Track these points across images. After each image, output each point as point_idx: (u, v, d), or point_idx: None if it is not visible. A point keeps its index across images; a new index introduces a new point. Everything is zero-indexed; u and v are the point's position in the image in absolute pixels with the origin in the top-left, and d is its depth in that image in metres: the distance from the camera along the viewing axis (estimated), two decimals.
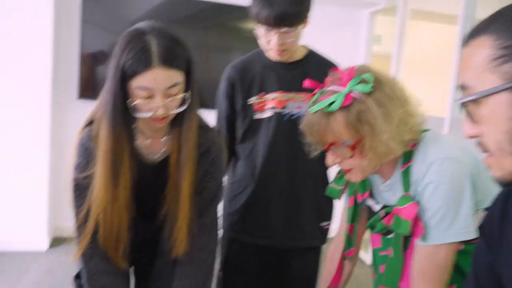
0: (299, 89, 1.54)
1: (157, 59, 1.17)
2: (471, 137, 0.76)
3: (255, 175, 1.72)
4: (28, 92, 3.63)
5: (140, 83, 1.19)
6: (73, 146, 1.37)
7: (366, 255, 3.78)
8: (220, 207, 1.61)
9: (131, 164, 1.29)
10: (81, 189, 1.32)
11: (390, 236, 1.20)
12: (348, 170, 1.18)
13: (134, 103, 1.22)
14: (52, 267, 3.51)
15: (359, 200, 1.33)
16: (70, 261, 3.53)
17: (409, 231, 1.09)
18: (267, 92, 1.70)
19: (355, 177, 1.19)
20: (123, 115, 1.24)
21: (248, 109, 1.72)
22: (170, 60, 1.19)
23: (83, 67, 3.90)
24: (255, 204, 1.74)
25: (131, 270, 1.55)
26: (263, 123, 1.70)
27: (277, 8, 1.48)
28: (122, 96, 1.22)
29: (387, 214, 1.18)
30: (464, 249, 1.11)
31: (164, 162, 1.37)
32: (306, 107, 1.18)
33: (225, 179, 1.74)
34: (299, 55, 1.70)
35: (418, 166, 1.13)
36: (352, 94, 1.07)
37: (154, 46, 1.18)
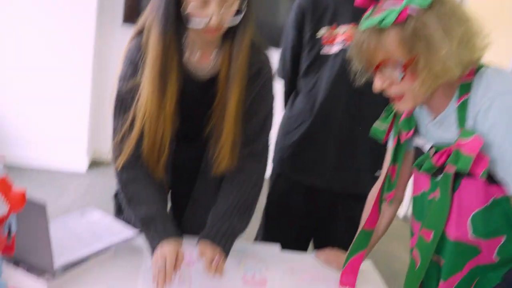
0: None
1: None
2: None
3: (313, 111, 1.67)
4: (74, 16, 3.64)
5: None
6: (115, 69, 1.35)
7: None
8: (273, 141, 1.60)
9: (178, 76, 1.27)
10: (125, 102, 1.32)
11: (438, 177, 1.13)
12: (397, 98, 1.11)
13: (187, 11, 1.18)
14: (90, 188, 3.65)
15: (403, 139, 1.26)
16: (107, 183, 3.63)
17: (469, 167, 1.02)
18: (339, 24, 1.61)
19: (404, 105, 1.11)
20: (174, 22, 1.21)
21: (315, 42, 1.64)
22: None
23: None
24: (308, 142, 1.70)
25: (168, 197, 1.57)
26: (329, 58, 1.63)
27: None
28: (175, 2, 1.18)
29: (437, 151, 1.13)
30: None
31: (212, 81, 1.34)
32: None
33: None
34: None
35: (478, 99, 1.04)
36: (408, 10, 0.99)
37: None
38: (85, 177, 3.85)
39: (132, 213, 1.32)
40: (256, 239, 1.88)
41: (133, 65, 1.30)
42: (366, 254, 1.42)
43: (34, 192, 1.04)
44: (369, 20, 1.05)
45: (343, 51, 1.59)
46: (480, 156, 1.02)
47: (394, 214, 1.43)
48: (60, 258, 1.17)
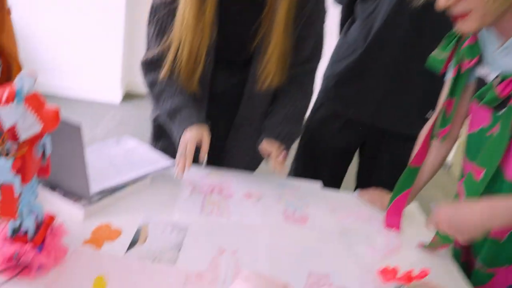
0: None
1: None
2: None
3: (367, 39, 1.53)
4: None
5: None
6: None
7: None
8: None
9: None
10: (160, 9, 1.27)
11: (501, 111, 1.01)
12: (462, 16, 0.97)
13: None
14: (124, 120, 3.65)
15: (464, 69, 1.12)
16: (141, 116, 3.60)
17: None
18: None
19: (469, 25, 0.98)
20: None
21: None
22: None
23: None
24: (357, 71, 1.57)
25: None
26: None
27: None
28: None
29: (502, 81, 1.00)
30: None
31: None
32: None
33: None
34: None
35: None
36: None
37: None
38: (119, 109, 3.85)
39: (160, 110, 1.31)
40: (289, 174, 1.81)
41: None
42: (412, 195, 1.33)
43: None
44: None
45: None
46: None
47: (446, 154, 1.31)
48: (96, 185, 1.13)
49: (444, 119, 1.20)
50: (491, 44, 1.06)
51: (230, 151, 1.46)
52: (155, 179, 1.29)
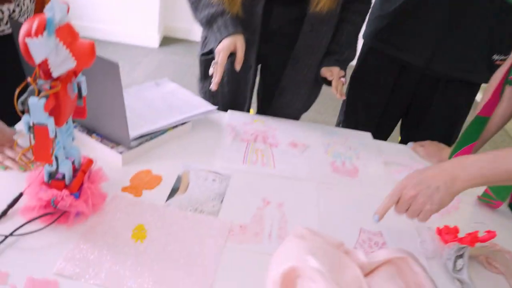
0: None
1: None
2: None
3: None
4: None
5: None
6: None
7: None
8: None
9: None
10: None
11: None
12: None
13: None
14: (162, 64, 3.58)
15: None
16: (179, 61, 3.52)
17: None
18: None
19: None
20: None
21: None
22: None
23: None
24: (411, 11, 1.38)
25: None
26: None
27: None
28: None
29: None
30: None
31: None
32: None
33: None
34: None
35: None
36: None
37: None
38: (157, 53, 3.77)
39: (198, 19, 1.26)
40: (337, 124, 1.70)
41: None
42: (476, 149, 1.21)
43: None
44: None
45: None
46: None
47: None
48: (135, 130, 1.07)
49: None
50: None
51: (284, 89, 1.37)
52: (196, 125, 1.22)
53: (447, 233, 0.95)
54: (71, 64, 0.71)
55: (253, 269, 0.80)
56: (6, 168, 0.94)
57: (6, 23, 1.13)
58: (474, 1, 1.28)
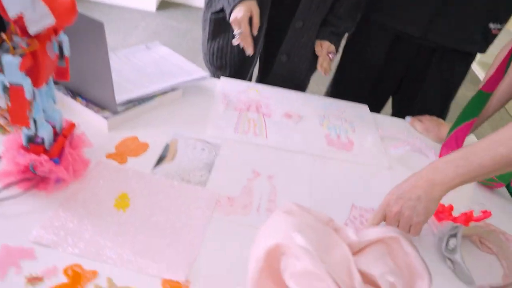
0: None
1: None
2: None
3: None
4: None
5: None
6: None
7: None
8: None
9: None
10: None
11: None
12: None
13: None
14: (159, 29, 3.49)
15: None
16: (176, 26, 3.43)
17: None
18: None
19: None
20: None
21: None
22: None
23: None
24: None
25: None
26: None
27: None
28: None
29: None
30: None
31: None
32: None
33: None
34: None
35: None
36: None
37: None
38: (155, 17, 3.68)
39: None
40: (326, 94, 1.63)
41: None
42: (476, 126, 1.17)
43: None
44: None
45: None
46: None
47: None
48: (122, 94, 1.02)
49: None
50: None
51: (286, 53, 1.34)
52: (187, 91, 1.18)
53: (442, 212, 0.92)
54: (49, 21, 0.66)
55: (239, 242, 0.77)
56: None
57: None
58: None
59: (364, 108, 1.33)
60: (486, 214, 0.88)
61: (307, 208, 0.63)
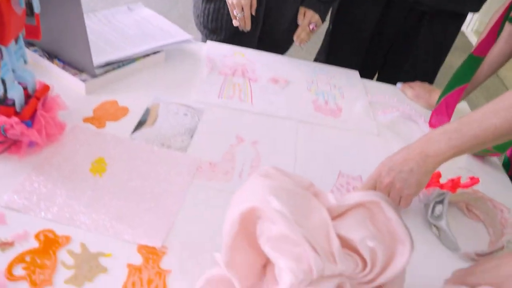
0: None
1: None
2: None
3: None
4: None
5: None
6: None
7: None
8: None
9: None
10: None
11: None
12: None
13: None
14: None
15: None
16: None
17: None
18: None
19: None
20: None
21: None
22: None
23: None
24: None
25: None
26: None
27: None
28: None
29: None
30: None
31: None
32: None
33: None
34: None
35: None
36: None
37: None
38: None
39: None
40: (315, 60, 1.59)
41: None
42: (467, 93, 1.14)
43: None
44: None
45: None
46: None
47: None
48: (101, 56, 0.98)
49: None
50: None
51: (270, 16, 1.29)
52: (170, 55, 1.14)
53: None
54: None
55: (220, 208, 0.74)
56: None
57: None
58: None
59: (354, 74, 1.30)
60: (474, 180, 0.86)
61: (286, 172, 0.60)
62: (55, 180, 0.73)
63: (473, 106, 1.07)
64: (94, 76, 0.95)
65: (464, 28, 3.67)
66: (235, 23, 1.17)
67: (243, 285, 0.57)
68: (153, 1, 3.30)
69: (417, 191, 0.78)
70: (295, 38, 1.27)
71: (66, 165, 0.77)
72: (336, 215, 0.60)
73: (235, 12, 1.18)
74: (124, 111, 0.93)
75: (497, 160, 1.07)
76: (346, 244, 0.56)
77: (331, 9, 1.34)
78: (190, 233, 0.70)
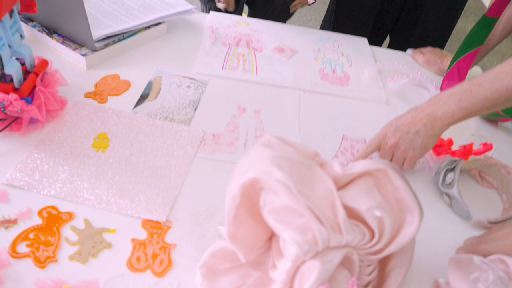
0: None
1: None
2: None
3: None
4: None
5: None
6: None
7: None
8: None
9: None
10: None
11: None
12: None
13: None
14: None
15: None
16: None
17: None
18: None
19: None
20: None
21: None
22: None
23: None
24: None
25: None
26: None
27: None
28: None
29: None
30: None
31: None
32: None
33: None
34: None
35: None
36: None
37: None
38: None
39: None
40: (322, 28, 1.54)
41: None
42: (480, 56, 1.10)
43: None
44: None
45: None
46: None
47: None
48: (100, 29, 0.96)
49: None
50: None
51: None
52: (172, 27, 1.11)
53: (440, 145, 0.87)
54: None
55: (224, 181, 0.73)
56: None
57: None
58: None
59: (362, 41, 1.25)
60: (487, 147, 0.84)
61: (290, 141, 0.58)
62: (57, 156, 0.73)
63: (486, 70, 1.03)
64: (94, 50, 0.93)
65: None
66: (218, 5, 1.15)
67: (247, 258, 0.56)
68: None
69: (422, 154, 0.77)
70: (291, 7, 1.25)
71: (68, 142, 0.76)
72: (342, 185, 0.58)
73: None
74: (126, 85, 0.91)
75: (510, 125, 1.03)
76: (352, 214, 0.54)
77: None
78: (194, 206, 0.69)
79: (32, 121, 0.76)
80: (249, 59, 1.05)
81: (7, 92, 0.72)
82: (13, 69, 0.72)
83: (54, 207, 0.65)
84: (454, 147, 0.87)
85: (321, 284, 0.49)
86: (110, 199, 0.67)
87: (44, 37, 0.95)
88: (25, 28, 0.97)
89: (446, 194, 0.79)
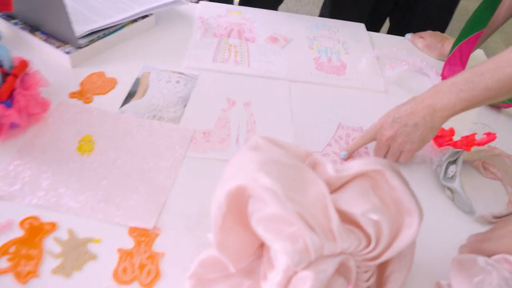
0: None
1: None
2: None
3: None
4: None
5: None
6: None
7: None
8: None
9: None
10: None
11: None
12: None
13: None
14: None
15: None
16: None
17: None
18: None
19: None
20: None
21: None
22: None
23: None
24: None
25: None
26: None
27: None
28: None
29: None
30: None
31: None
32: None
33: None
34: None
35: None
36: None
37: None
38: None
39: None
40: (321, 15, 1.50)
41: None
42: (483, 39, 1.05)
43: None
44: None
45: None
46: None
47: None
48: (84, 25, 0.92)
49: None
50: None
51: None
52: (161, 19, 1.07)
53: (441, 136, 0.84)
54: None
55: (216, 180, 0.70)
56: None
57: None
58: None
59: (359, 27, 1.21)
60: (490, 137, 0.80)
61: (279, 142, 0.55)
62: (40, 163, 0.69)
63: (490, 54, 0.98)
64: (78, 47, 0.89)
65: None
66: None
67: (237, 267, 0.53)
68: None
69: (420, 147, 0.74)
70: None
71: (51, 146, 0.73)
72: (336, 187, 0.55)
73: None
74: (112, 82, 0.87)
75: None
76: (347, 218, 0.51)
77: None
78: (184, 210, 0.66)
79: (14, 126, 0.72)
80: (241, 50, 1.01)
81: None
82: None
83: (35, 218, 0.62)
84: (456, 137, 0.83)
85: None
86: (95, 206, 0.64)
87: (27, 35, 0.91)
88: (7, 26, 0.93)
89: (449, 188, 0.75)
